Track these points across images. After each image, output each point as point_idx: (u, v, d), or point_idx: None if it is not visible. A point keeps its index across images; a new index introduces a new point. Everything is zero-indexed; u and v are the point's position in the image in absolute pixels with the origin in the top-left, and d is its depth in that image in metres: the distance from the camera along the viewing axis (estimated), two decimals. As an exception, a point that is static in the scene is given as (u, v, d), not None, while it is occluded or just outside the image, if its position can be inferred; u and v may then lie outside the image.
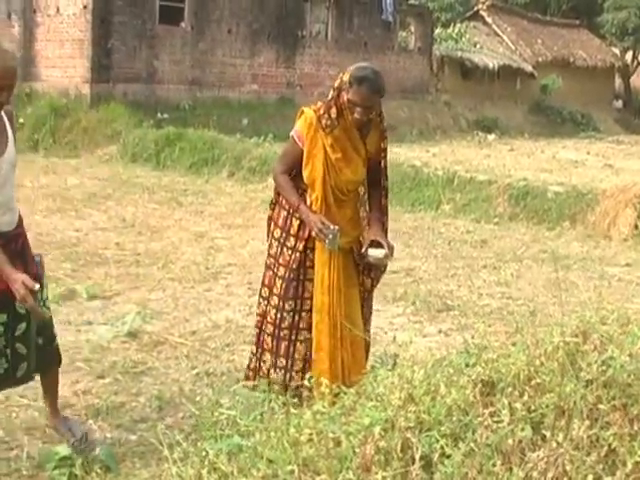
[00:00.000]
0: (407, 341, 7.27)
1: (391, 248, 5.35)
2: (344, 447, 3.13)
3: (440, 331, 7.88)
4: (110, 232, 12.10)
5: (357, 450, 2.98)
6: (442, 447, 3.12)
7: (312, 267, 5.32)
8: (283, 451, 3.19)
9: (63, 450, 4.79)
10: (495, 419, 3.39)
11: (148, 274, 9.57)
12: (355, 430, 3.32)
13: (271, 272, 5.45)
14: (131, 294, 8.78)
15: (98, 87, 23.13)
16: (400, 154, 20.88)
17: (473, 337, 4.32)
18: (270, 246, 5.51)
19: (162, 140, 20.10)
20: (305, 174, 5.31)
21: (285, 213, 5.42)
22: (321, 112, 5.30)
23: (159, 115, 22.95)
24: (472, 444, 3.06)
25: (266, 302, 5.48)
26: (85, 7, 22.98)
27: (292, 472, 2.97)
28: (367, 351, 5.67)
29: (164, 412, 5.73)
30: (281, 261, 5.38)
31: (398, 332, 7.68)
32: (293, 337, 5.38)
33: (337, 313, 5.26)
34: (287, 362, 5.37)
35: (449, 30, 36.60)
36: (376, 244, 5.30)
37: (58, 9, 23.87)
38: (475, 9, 39.31)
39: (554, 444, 3.15)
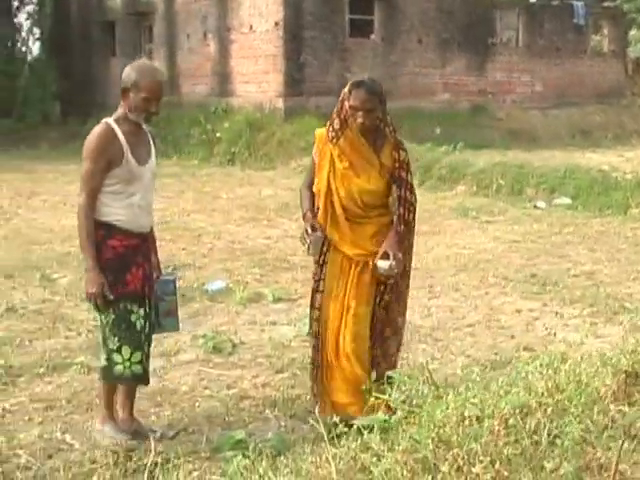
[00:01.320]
0: (578, 341, 7.40)
1: (398, 260, 5.34)
2: (484, 426, 3.36)
3: (614, 332, 7.88)
4: (299, 240, 12.52)
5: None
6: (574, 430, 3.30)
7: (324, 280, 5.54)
8: (426, 430, 3.45)
9: (238, 435, 5.20)
10: (636, 408, 3.53)
11: (332, 278, 9.91)
12: (497, 413, 3.54)
13: (313, 290, 5.65)
14: (315, 297, 9.15)
15: (291, 101, 23.83)
16: (592, 159, 20.62)
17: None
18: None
19: (353, 150, 20.43)
20: (315, 185, 5.53)
21: None
22: (327, 125, 5.49)
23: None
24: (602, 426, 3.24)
25: (313, 320, 5.66)
26: (277, 24, 23.74)
27: (429, 447, 3.23)
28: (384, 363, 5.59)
29: (337, 405, 6.05)
30: (316, 277, 5.61)
31: (571, 333, 7.76)
32: (320, 345, 5.61)
33: (334, 326, 5.44)
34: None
35: (644, 31, 35.67)
36: (386, 256, 5.35)
37: (251, 26, 24.74)
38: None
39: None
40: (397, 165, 5.48)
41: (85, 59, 32.20)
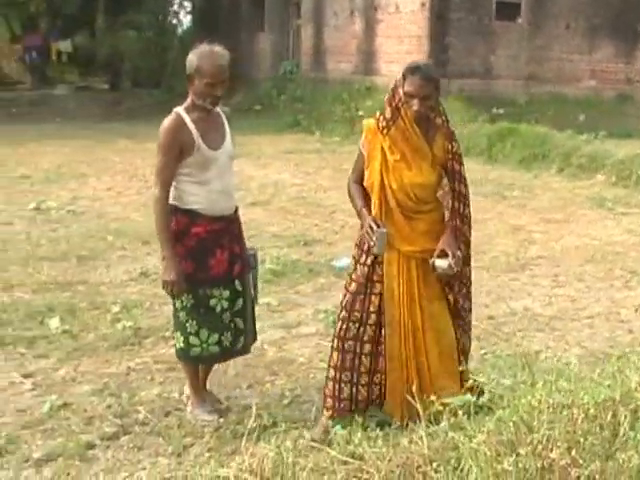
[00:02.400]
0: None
1: (457, 258, 5.10)
2: (565, 414, 3.49)
3: None
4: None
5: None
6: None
7: (380, 281, 5.22)
8: (512, 414, 3.61)
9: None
10: None
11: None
12: (588, 403, 3.66)
13: (345, 290, 5.40)
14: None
15: (434, 82, 23.78)
16: None
17: None
18: (351, 267, 5.47)
19: (494, 135, 20.29)
20: (366, 178, 5.26)
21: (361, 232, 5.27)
22: (378, 116, 5.21)
23: (494, 110, 23.23)
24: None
25: (338, 319, 5.42)
26: (423, 4, 23.73)
27: (512, 430, 3.38)
28: (462, 359, 5.37)
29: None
30: (354, 277, 5.32)
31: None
32: (358, 350, 5.27)
33: (410, 325, 5.18)
34: (352, 375, 5.29)
35: None
36: (444, 254, 5.11)
37: (397, 6, 24.80)
38: None
39: None
40: (450, 157, 5.25)
41: (233, 33, 32.71)
